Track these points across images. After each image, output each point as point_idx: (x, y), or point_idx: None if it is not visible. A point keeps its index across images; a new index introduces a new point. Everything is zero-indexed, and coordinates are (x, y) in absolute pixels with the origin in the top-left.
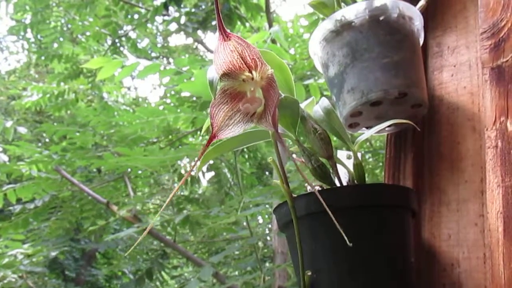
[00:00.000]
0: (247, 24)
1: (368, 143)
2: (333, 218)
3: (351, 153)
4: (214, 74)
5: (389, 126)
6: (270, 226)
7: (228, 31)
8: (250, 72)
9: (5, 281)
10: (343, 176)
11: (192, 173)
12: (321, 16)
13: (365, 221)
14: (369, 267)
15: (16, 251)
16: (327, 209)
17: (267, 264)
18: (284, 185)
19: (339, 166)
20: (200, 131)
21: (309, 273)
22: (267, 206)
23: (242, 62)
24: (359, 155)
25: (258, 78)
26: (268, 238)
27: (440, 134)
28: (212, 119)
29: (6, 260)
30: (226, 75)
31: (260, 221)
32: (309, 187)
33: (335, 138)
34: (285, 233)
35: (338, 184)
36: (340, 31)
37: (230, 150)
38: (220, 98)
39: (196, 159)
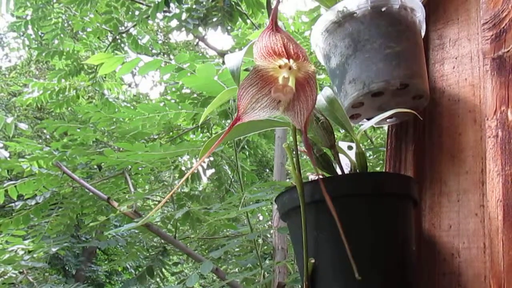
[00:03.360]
0: (248, 21)
1: (369, 141)
2: (332, 207)
3: (352, 144)
4: (236, 63)
5: (390, 117)
6: (270, 223)
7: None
8: (289, 59)
9: (6, 277)
10: (345, 166)
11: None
12: (322, 11)
13: (367, 209)
14: (371, 255)
15: (16, 247)
16: (327, 197)
17: (267, 261)
18: (296, 171)
19: (341, 156)
20: (201, 129)
21: (313, 261)
22: (267, 202)
23: (284, 50)
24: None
25: (295, 68)
26: (268, 235)
27: (441, 125)
28: (238, 101)
29: (7, 256)
30: (264, 57)
31: (261, 218)
32: (311, 176)
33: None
34: (286, 221)
35: (340, 173)
36: (342, 22)
37: (231, 139)
38: (250, 80)
39: (197, 153)
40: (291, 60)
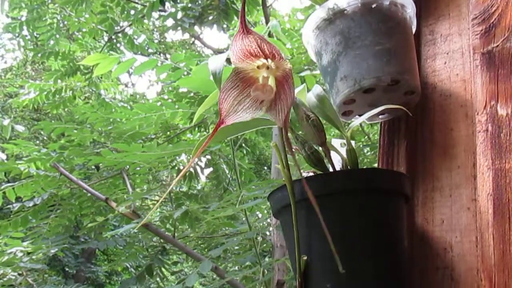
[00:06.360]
0: None
1: (366, 137)
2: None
3: (345, 141)
4: (218, 66)
5: (382, 113)
6: (269, 220)
7: (250, 28)
8: (266, 59)
9: (5, 279)
10: (337, 163)
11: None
12: (315, 6)
13: (358, 205)
14: (363, 252)
15: (15, 249)
16: (309, 193)
17: (266, 259)
18: (284, 169)
19: (332, 153)
20: (199, 128)
21: (305, 258)
22: (265, 200)
23: (260, 51)
24: (352, 142)
25: (273, 67)
26: (267, 232)
27: (433, 121)
28: (220, 105)
29: (6, 258)
30: (242, 60)
31: (259, 216)
32: (303, 173)
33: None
34: (278, 219)
35: (331, 170)
36: (332, 19)
37: (226, 138)
38: (231, 82)
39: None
40: (269, 60)
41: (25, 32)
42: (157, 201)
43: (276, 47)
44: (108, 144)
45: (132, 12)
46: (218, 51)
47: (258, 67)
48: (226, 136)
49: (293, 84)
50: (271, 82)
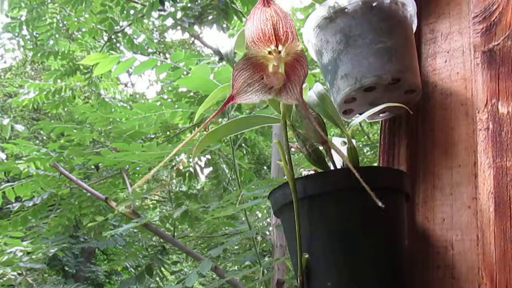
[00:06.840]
0: (244, 19)
1: (366, 137)
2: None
3: (345, 139)
4: (229, 48)
5: (383, 112)
6: (268, 220)
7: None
8: (277, 46)
9: (5, 278)
10: (338, 161)
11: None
12: (317, 7)
13: (359, 204)
14: (363, 250)
15: (15, 249)
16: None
17: (266, 258)
18: (287, 166)
19: (333, 152)
20: (198, 127)
21: (306, 256)
22: (265, 199)
23: (273, 33)
24: (353, 141)
25: (284, 54)
26: (267, 232)
27: (433, 119)
28: (233, 81)
29: (6, 257)
30: (254, 43)
31: (259, 216)
32: (304, 172)
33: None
34: (279, 217)
35: (332, 169)
36: (333, 18)
37: (226, 136)
38: (242, 64)
39: (193, 149)
40: (279, 46)
41: (24, 31)
42: (157, 200)
43: (292, 23)
44: (108, 144)
45: (132, 11)
46: (218, 51)
47: (269, 53)
48: (226, 134)
49: (306, 62)
50: (281, 70)
